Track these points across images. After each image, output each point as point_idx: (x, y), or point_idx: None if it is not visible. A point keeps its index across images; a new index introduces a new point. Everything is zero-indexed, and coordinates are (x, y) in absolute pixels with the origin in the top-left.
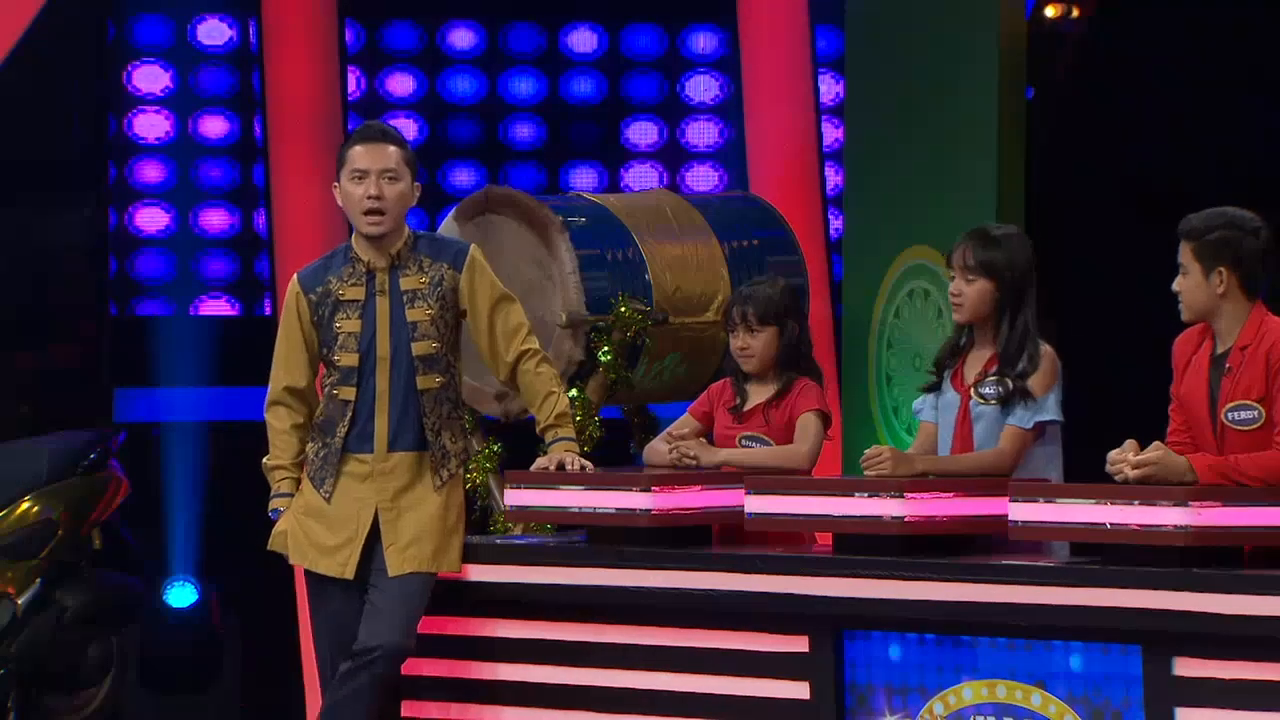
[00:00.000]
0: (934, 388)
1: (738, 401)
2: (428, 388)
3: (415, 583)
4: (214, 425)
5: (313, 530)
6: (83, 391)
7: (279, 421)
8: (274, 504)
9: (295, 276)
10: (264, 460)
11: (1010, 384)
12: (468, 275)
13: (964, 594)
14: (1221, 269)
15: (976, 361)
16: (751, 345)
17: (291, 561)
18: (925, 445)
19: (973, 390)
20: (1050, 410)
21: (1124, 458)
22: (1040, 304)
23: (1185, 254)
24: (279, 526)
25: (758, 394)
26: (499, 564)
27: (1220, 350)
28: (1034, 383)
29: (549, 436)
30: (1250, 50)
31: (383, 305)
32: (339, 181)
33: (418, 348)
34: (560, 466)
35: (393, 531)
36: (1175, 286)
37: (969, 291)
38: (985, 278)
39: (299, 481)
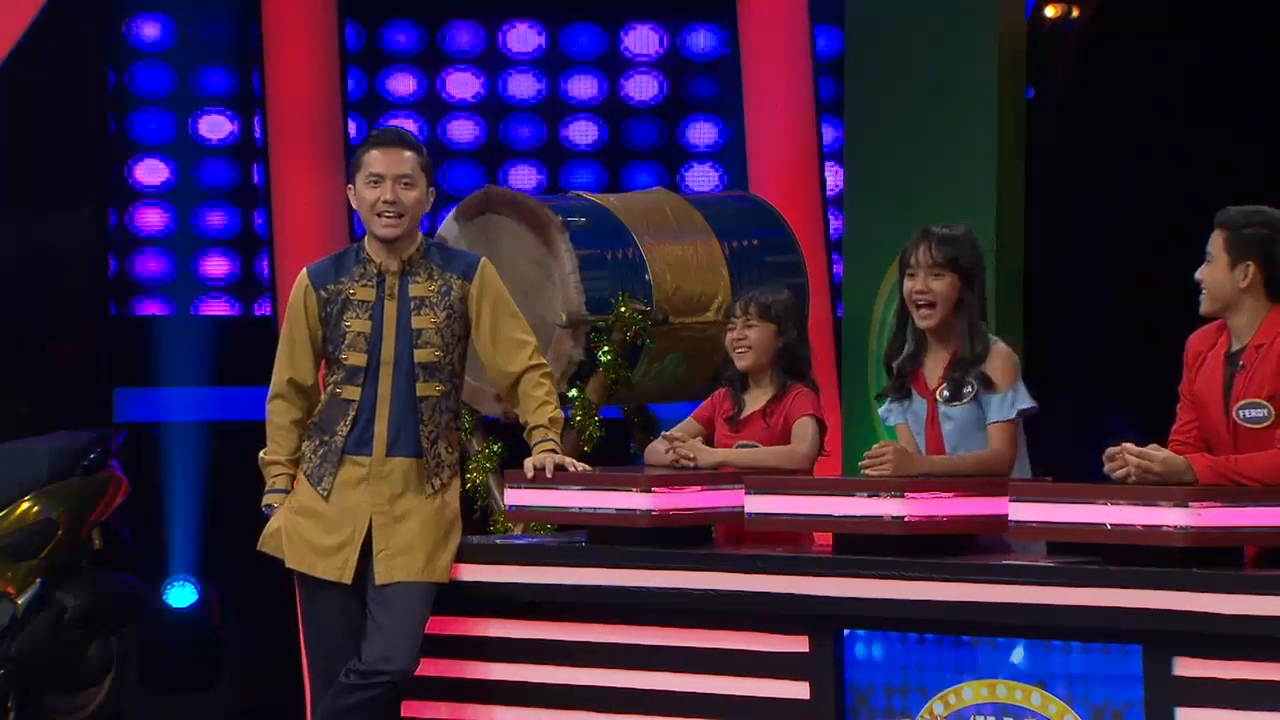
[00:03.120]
0: (895, 393)
1: (734, 411)
2: (427, 395)
3: (418, 599)
4: (214, 425)
5: (308, 530)
6: (83, 391)
7: (279, 416)
8: (268, 500)
9: (304, 271)
10: (260, 454)
11: (975, 380)
12: (477, 285)
13: (964, 594)
14: (1249, 263)
15: (936, 364)
16: (748, 337)
17: (288, 565)
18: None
19: (937, 395)
20: (1025, 398)
21: (1125, 449)
22: (1039, 304)
23: (1216, 243)
24: (271, 526)
25: (754, 401)
26: (499, 564)
27: (1235, 348)
28: (996, 375)
29: (537, 436)
30: (1250, 50)
31: (390, 309)
32: (353, 184)
33: (420, 354)
34: (561, 468)
35: (384, 538)
36: (1199, 275)
37: (937, 287)
38: (951, 272)
39: (294, 479)
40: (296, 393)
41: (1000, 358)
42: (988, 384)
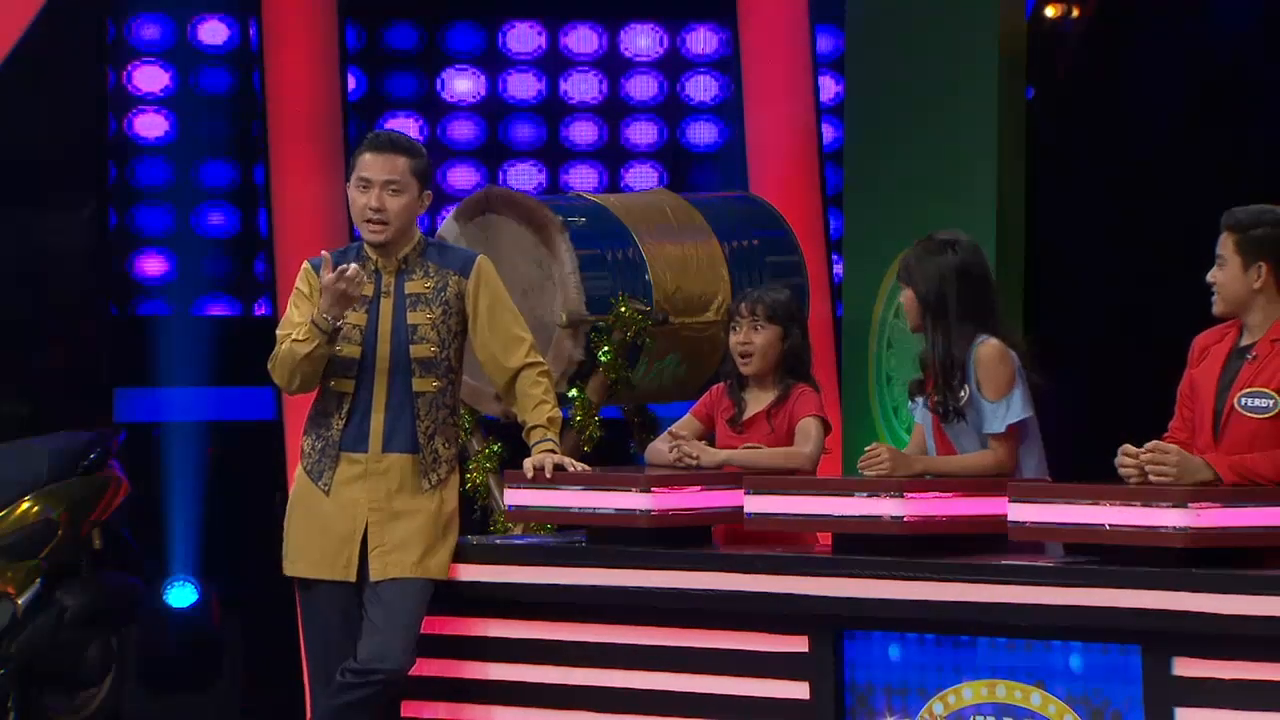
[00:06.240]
0: (919, 389)
1: (735, 411)
2: (424, 391)
3: (414, 597)
4: (214, 425)
5: (309, 531)
6: (83, 391)
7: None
8: (313, 330)
9: (306, 261)
10: (289, 340)
11: (950, 398)
12: (474, 282)
13: (964, 594)
14: (1262, 264)
15: None
16: (754, 341)
17: (286, 573)
18: (919, 445)
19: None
20: (1017, 410)
21: (1142, 454)
22: (1040, 304)
23: (1227, 245)
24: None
25: (756, 402)
26: (499, 564)
27: (1246, 342)
28: (986, 386)
29: (535, 436)
30: (1250, 49)
31: (386, 306)
32: (349, 185)
33: (416, 350)
34: (560, 468)
35: (380, 534)
36: (1210, 278)
37: (904, 299)
38: (907, 285)
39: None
40: None
41: (986, 366)
42: (960, 407)
